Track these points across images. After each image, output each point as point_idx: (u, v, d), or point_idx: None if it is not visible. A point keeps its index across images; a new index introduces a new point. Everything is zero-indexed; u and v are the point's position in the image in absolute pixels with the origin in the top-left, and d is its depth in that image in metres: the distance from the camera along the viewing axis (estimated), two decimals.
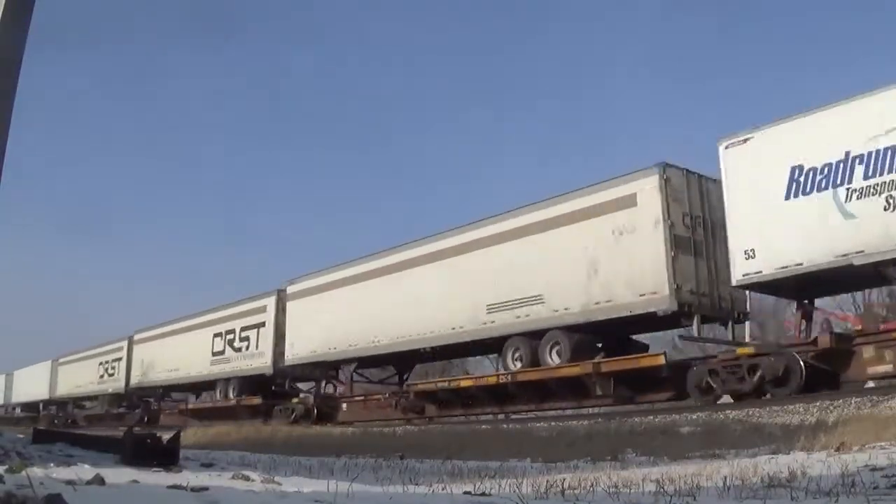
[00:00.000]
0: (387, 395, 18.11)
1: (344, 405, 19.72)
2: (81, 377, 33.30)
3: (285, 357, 20.75)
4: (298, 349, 20.32)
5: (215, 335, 24.02)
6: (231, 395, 23.05)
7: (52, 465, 4.26)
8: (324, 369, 20.51)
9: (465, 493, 4.12)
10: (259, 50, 76.45)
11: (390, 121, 75.53)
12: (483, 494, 3.94)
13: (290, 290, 21.24)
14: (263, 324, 22.16)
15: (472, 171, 74.92)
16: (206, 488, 3.43)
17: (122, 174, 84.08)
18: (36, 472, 3.52)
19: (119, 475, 3.87)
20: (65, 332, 76.81)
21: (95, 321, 69.30)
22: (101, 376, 31.59)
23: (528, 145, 74.36)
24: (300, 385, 22.17)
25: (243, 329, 22.92)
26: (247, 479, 4.55)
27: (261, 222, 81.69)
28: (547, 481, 4.83)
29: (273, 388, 22.35)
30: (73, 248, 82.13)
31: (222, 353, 23.69)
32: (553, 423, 12.67)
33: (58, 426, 27.88)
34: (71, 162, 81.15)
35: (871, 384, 11.86)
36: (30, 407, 40.04)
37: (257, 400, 21.85)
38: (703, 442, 9.24)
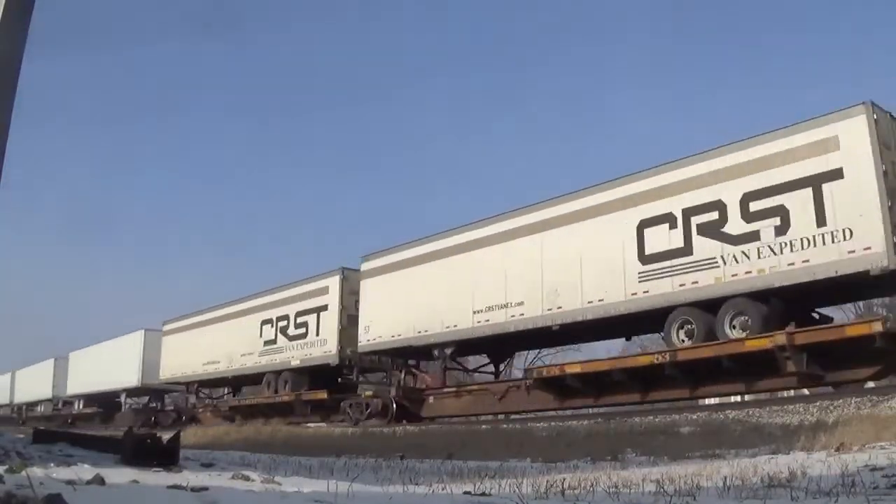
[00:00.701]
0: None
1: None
2: (218, 348, 22.57)
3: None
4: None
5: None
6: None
7: (52, 465, 4.26)
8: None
9: (465, 493, 4.12)
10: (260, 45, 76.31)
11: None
12: (483, 494, 3.94)
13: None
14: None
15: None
16: (206, 488, 3.43)
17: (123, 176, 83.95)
18: (36, 472, 3.52)
19: (119, 475, 3.87)
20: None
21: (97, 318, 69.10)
22: (271, 342, 20.79)
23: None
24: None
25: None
26: (247, 479, 4.55)
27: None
28: (547, 481, 4.82)
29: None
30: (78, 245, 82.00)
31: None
32: (553, 424, 12.67)
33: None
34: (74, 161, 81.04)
35: (870, 384, 11.89)
36: (101, 400, 29.43)
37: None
38: (703, 442, 9.23)
